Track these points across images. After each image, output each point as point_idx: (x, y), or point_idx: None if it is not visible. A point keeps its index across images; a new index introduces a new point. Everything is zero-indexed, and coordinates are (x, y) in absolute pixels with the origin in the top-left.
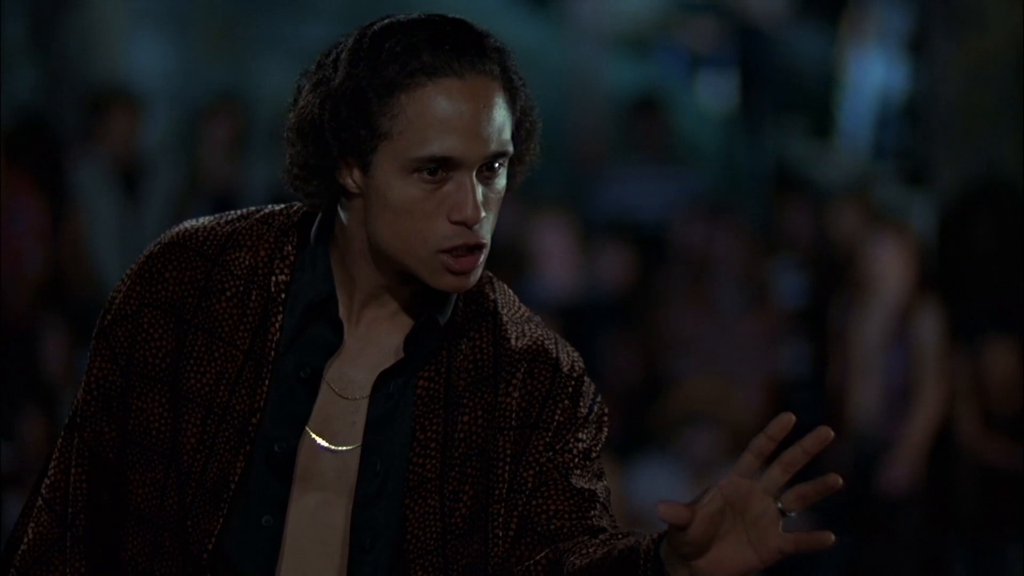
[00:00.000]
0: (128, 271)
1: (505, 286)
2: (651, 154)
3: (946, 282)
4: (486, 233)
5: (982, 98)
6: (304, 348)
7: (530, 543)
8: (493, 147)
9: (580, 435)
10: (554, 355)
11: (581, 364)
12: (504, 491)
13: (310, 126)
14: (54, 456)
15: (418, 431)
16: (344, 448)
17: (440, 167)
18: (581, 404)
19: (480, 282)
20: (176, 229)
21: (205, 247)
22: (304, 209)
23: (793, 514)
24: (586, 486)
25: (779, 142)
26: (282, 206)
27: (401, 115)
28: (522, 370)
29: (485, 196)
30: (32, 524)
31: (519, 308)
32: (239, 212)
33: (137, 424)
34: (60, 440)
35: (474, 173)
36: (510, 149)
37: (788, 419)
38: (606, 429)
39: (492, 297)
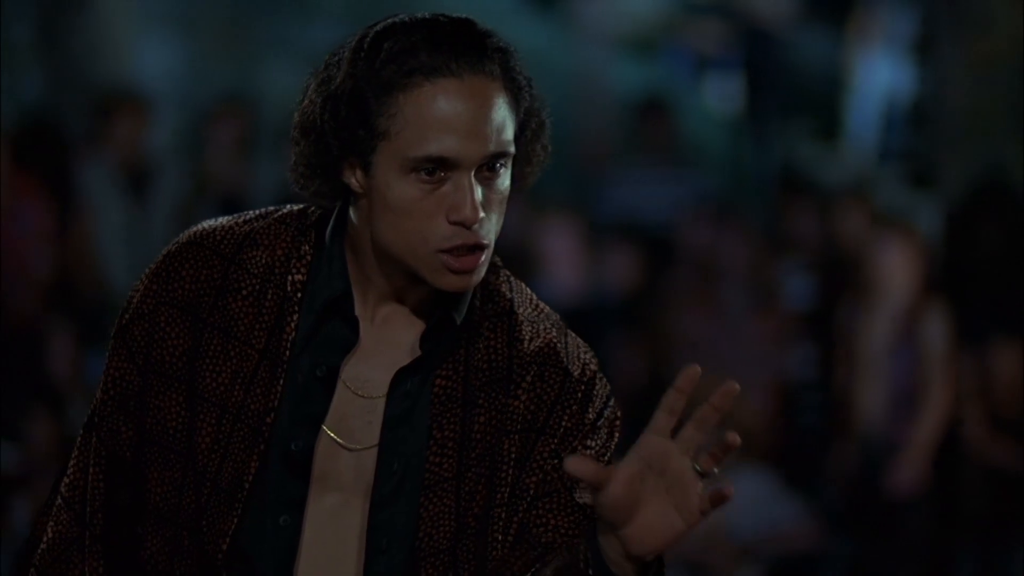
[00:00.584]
0: (147, 270)
1: (522, 284)
2: (657, 156)
3: (952, 284)
4: (487, 233)
5: (988, 101)
6: (320, 346)
7: (523, 552)
8: (492, 147)
9: (588, 443)
10: (565, 359)
11: (593, 366)
12: (506, 495)
13: (312, 126)
14: (73, 455)
15: (435, 430)
16: (361, 447)
17: (438, 167)
18: (590, 410)
19: (497, 280)
20: (194, 228)
21: (222, 246)
22: (321, 210)
23: (709, 475)
24: (589, 501)
25: (785, 144)
26: (300, 207)
27: (399, 115)
28: (532, 373)
29: (485, 196)
30: (51, 523)
31: (535, 306)
32: (257, 212)
33: (154, 423)
34: (79, 439)
35: (473, 173)
36: (511, 150)
37: (695, 371)
38: (618, 434)
39: (508, 296)
